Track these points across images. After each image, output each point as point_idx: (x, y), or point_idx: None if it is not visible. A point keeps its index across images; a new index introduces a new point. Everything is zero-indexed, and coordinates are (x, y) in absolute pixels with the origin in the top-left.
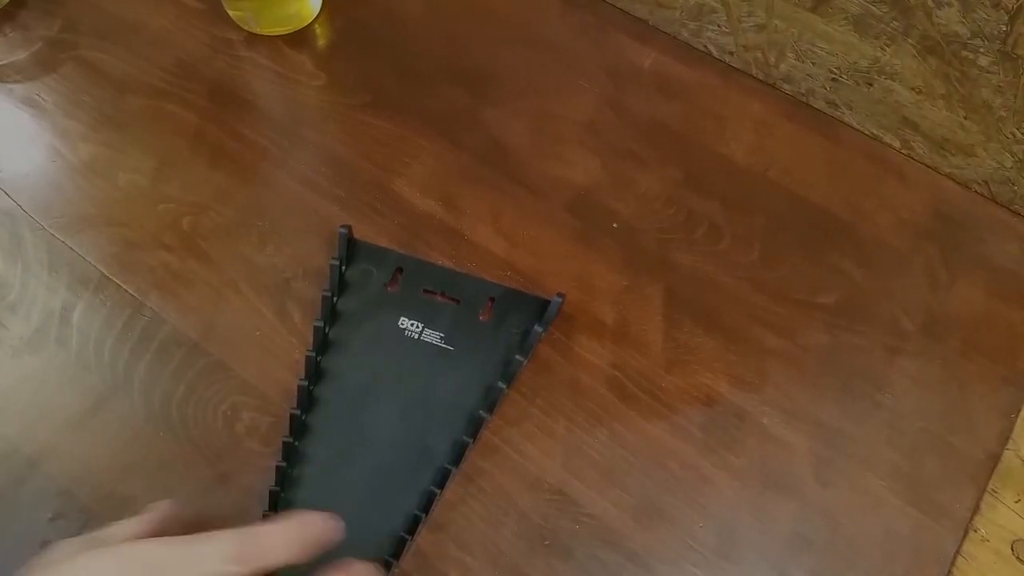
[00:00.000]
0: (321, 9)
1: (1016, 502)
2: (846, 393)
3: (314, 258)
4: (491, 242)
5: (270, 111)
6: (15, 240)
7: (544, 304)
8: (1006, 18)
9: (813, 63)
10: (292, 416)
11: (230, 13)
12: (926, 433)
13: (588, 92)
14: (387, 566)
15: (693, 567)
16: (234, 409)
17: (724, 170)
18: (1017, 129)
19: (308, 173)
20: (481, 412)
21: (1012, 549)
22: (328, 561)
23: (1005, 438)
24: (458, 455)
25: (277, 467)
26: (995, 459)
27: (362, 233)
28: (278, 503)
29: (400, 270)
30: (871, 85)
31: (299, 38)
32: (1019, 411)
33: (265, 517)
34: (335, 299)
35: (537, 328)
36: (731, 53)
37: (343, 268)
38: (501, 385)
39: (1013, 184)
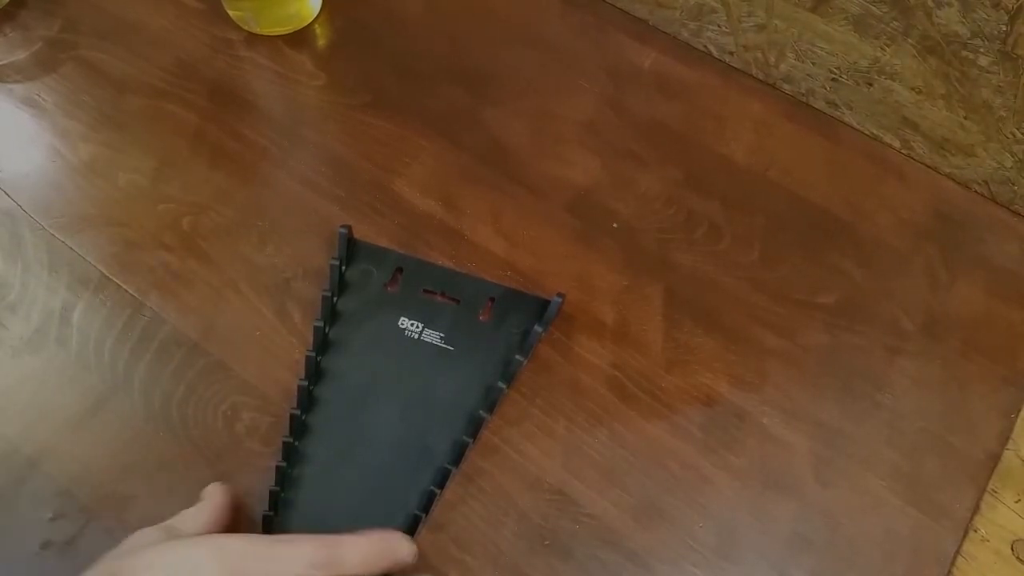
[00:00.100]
0: (321, 9)
1: (1016, 502)
2: (846, 393)
3: (314, 258)
4: (491, 242)
5: (270, 111)
6: (15, 240)
7: (544, 304)
8: (1006, 18)
9: (813, 63)
10: (292, 416)
11: (230, 13)
12: (926, 433)
13: (588, 92)
14: None
15: (693, 567)
16: (234, 409)
17: (724, 170)
18: (1017, 129)
19: (308, 173)
20: (481, 412)
21: (1012, 549)
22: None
23: (1005, 438)
24: (458, 455)
25: (277, 467)
26: (995, 459)
27: (362, 233)
28: (278, 503)
29: (400, 270)
30: (871, 85)
31: (299, 38)
32: (1019, 411)
33: (265, 517)
34: (335, 299)
35: (537, 328)
36: (731, 53)
37: (343, 268)
38: (501, 385)
39: (1013, 184)
